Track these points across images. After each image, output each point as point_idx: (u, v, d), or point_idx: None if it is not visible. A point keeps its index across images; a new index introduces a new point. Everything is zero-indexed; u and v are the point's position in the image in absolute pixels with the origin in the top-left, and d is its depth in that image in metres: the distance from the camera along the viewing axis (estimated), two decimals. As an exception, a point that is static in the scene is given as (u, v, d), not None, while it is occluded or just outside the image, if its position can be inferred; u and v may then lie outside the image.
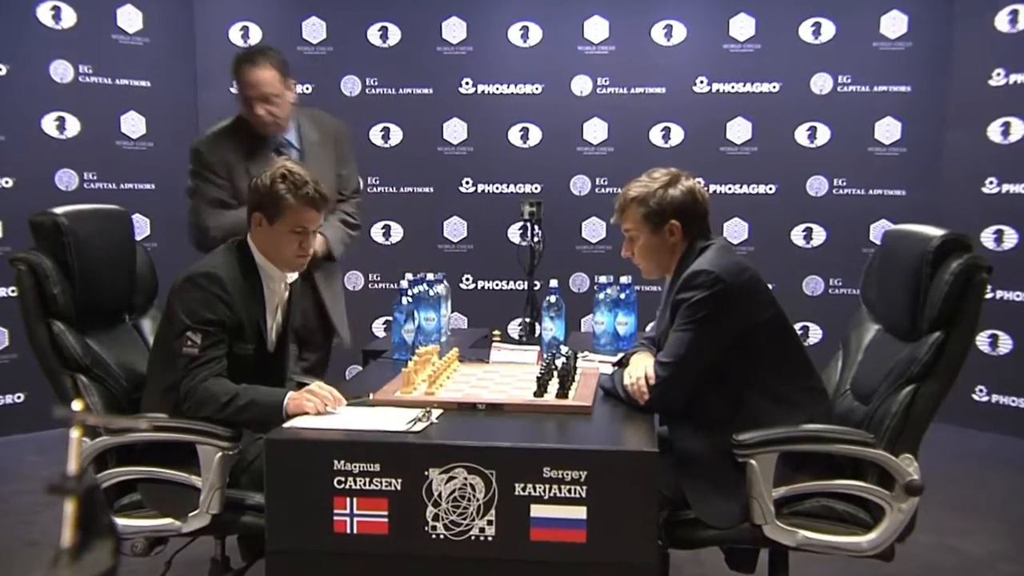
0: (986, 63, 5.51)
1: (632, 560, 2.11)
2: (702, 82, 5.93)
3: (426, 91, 6.07)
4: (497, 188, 6.08)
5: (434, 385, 2.58)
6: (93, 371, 2.60)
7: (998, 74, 5.47)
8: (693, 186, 2.61)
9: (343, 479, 2.14)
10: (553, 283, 3.37)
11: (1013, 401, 5.50)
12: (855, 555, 2.40)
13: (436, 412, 2.37)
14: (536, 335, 3.67)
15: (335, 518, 2.15)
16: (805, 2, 5.84)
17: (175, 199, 5.92)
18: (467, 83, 6.04)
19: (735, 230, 5.92)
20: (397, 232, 6.17)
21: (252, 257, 2.70)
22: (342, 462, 2.14)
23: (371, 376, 2.95)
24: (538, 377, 2.56)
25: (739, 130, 5.92)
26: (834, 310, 5.68)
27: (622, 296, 3.40)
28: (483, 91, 6.05)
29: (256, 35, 6.04)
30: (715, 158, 5.87)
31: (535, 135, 6.04)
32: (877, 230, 5.75)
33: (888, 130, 5.83)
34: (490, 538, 2.11)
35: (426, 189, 6.13)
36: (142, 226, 5.67)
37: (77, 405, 1.00)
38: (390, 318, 3.33)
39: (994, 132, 5.50)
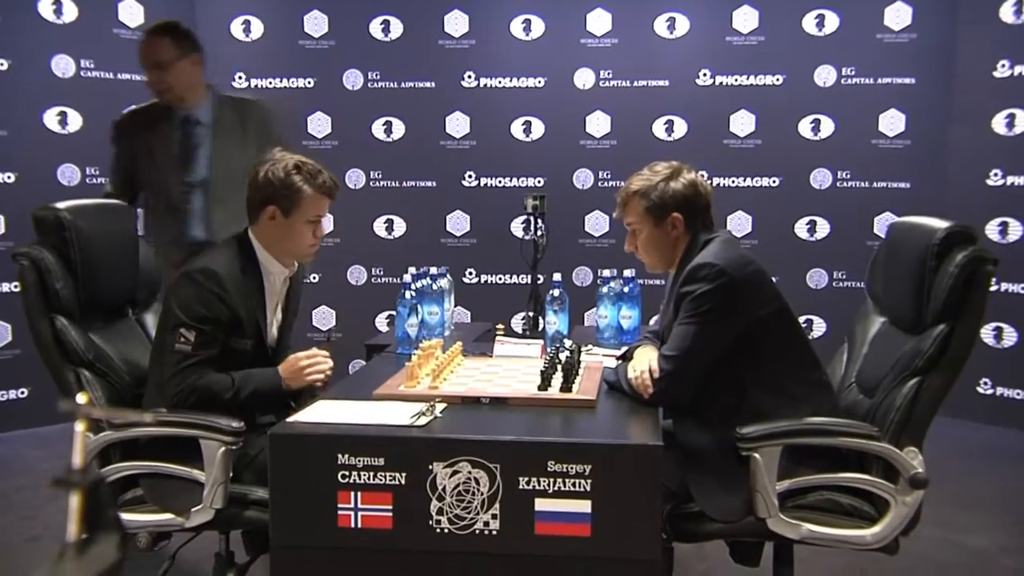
0: (991, 55, 5.49)
1: (636, 554, 2.11)
2: (705, 75, 5.91)
3: (428, 84, 6.06)
4: (500, 182, 6.07)
5: (438, 379, 2.57)
6: (96, 366, 2.59)
7: (1003, 66, 5.45)
8: (695, 179, 2.61)
9: (347, 473, 2.14)
10: (556, 277, 3.36)
11: (1018, 394, 5.48)
12: (859, 548, 2.39)
13: (440, 406, 2.37)
14: (540, 329, 3.67)
15: (339, 512, 2.15)
16: (809, -6, 5.84)
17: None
18: (469, 76, 6.03)
19: (739, 223, 5.91)
20: (400, 226, 6.16)
21: (253, 252, 2.70)
22: (346, 456, 2.14)
23: (375, 371, 2.95)
24: (542, 371, 2.55)
25: (742, 123, 5.91)
26: (838, 303, 5.67)
27: (626, 290, 3.39)
28: (485, 84, 6.04)
29: (258, 28, 6.04)
30: (718, 151, 5.86)
31: (538, 128, 6.04)
32: (881, 223, 5.74)
33: (892, 122, 5.81)
34: (494, 532, 2.11)
35: (429, 183, 6.12)
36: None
37: (81, 399, 1.00)
38: (393, 312, 3.33)
39: (999, 124, 5.49)
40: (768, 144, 5.90)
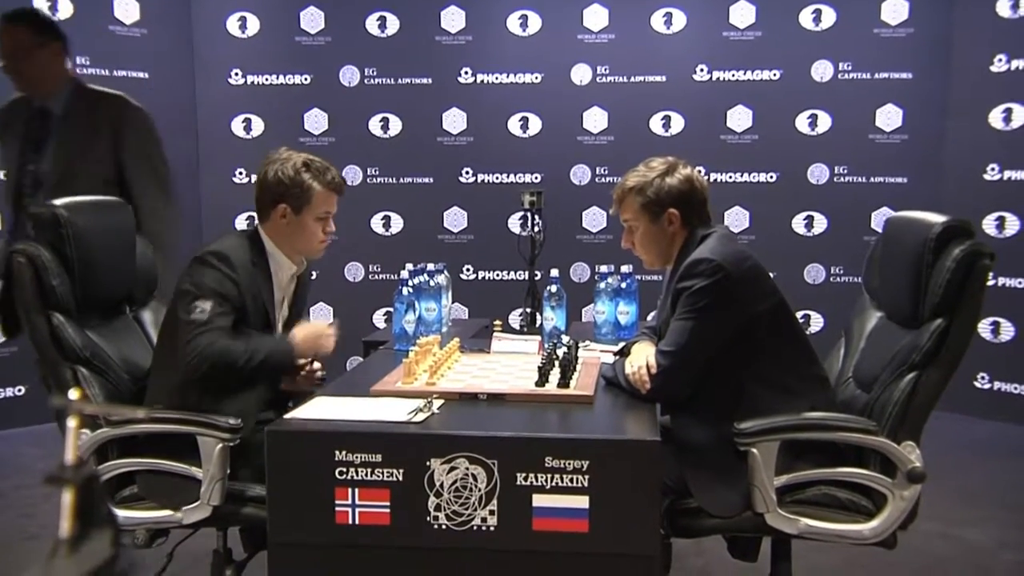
0: (987, 49, 5.49)
1: (634, 549, 2.11)
2: (702, 70, 5.91)
3: (425, 81, 6.06)
4: (497, 178, 6.07)
5: (435, 375, 2.57)
6: (93, 363, 2.58)
7: (999, 60, 5.45)
8: (691, 174, 2.60)
9: (344, 470, 2.14)
10: (554, 273, 3.36)
11: (1015, 388, 5.49)
12: (857, 543, 2.39)
13: (437, 402, 2.36)
14: (537, 325, 3.66)
15: (337, 509, 2.15)
16: (805, -11, 5.83)
17: (174, 191, 5.94)
18: (466, 72, 6.03)
19: (736, 219, 5.91)
20: (397, 223, 6.16)
21: (263, 247, 2.73)
22: (343, 453, 2.13)
23: (372, 367, 2.95)
24: (539, 367, 2.55)
25: (740, 118, 5.91)
26: (836, 298, 5.68)
27: (623, 285, 3.39)
28: (482, 80, 6.03)
29: (254, 25, 6.03)
30: (716, 146, 5.87)
31: (535, 124, 6.03)
32: (878, 218, 5.74)
33: (889, 117, 5.82)
34: (492, 528, 2.11)
35: (426, 179, 6.12)
36: (141, 218, 5.65)
37: (74, 394, 0.99)
38: (391, 309, 3.32)
39: (995, 118, 5.49)
40: (765, 139, 5.90)
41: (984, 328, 5.52)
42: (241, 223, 6.03)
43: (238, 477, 2.49)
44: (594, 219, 6.05)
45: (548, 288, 3.30)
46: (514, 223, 5.84)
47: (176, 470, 2.46)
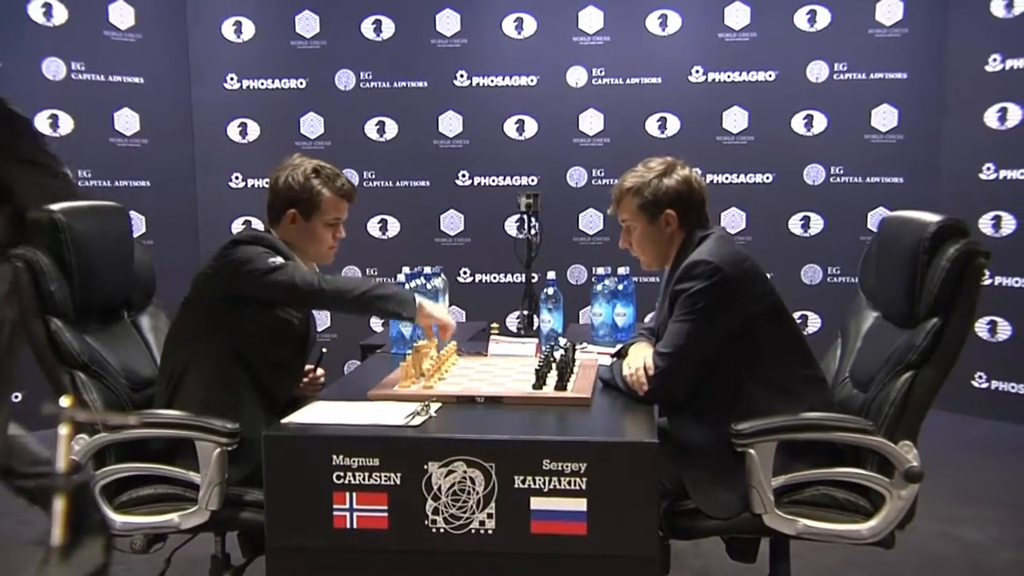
0: (982, 49, 5.50)
1: (633, 551, 2.11)
2: (698, 72, 5.92)
3: (421, 84, 6.06)
4: (493, 181, 6.07)
5: (432, 379, 2.57)
6: (91, 368, 2.58)
7: (994, 59, 5.46)
8: (689, 175, 2.60)
9: (342, 474, 2.13)
10: (551, 275, 3.36)
11: (1012, 387, 5.50)
12: (855, 543, 2.39)
13: (435, 406, 2.36)
14: (534, 327, 3.66)
15: (334, 513, 2.14)
16: (800, -10, 5.84)
17: (170, 196, 5.95)
18: (462, 75, 6.03)
19: (732, 219, 5.91)
20: (394, 226, 6.16)
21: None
22: (341, 457, 2.13)
23: (369, 371, 2.94)
24: (536, 369, 2.55)
25: (735, 119, 5.92)
26: (832, 298, 5.68)
27: (620, 287, 3.39)
28: (478, 83, 6.03)
29: (249, 29, 6.03)
30: (712, 147, 5.87)
31: (531, 127, 6.03)
32: (875, 218, 5.75)
33: (885, 117, 5.82)
34: (490, 531, 2.11)
35: (422, 183, 6.12)
36: (137, 223, 5.66)
37: (65, 401, 0.99)
38: (388, 312, 3.31)
39: (991, 118, 5.50)
40: (761, 140, 5.91)
41: (981, 327, 5.53)
42: (237, 227, 6.03)
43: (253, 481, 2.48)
44: (591, 221, 6.05)
45: (545, 290, 3.30)
46: (511, 226, 5.84)
47: (175, 475, 2.46)
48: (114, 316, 2.86)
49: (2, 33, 5.33)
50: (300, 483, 2.17)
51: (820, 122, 5.88)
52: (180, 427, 2.44)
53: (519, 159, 6.03)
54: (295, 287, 2.54)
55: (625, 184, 2.62)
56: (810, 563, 3.13)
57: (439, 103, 6.07)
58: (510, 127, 6.04)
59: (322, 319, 5.99)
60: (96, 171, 5.65)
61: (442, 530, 2.12)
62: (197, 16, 6.03)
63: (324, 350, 3.02)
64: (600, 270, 3.49)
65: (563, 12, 5.97)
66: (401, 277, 3.30)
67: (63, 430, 0.97)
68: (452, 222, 6.14)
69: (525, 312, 3.83)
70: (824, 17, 5.81)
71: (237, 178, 6.09)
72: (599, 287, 3.41)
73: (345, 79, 6.07)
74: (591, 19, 5.95)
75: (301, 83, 6.08)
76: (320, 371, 2.97)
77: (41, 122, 5.45)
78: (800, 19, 5.83)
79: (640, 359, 2.51)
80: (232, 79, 6.03)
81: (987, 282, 5.37)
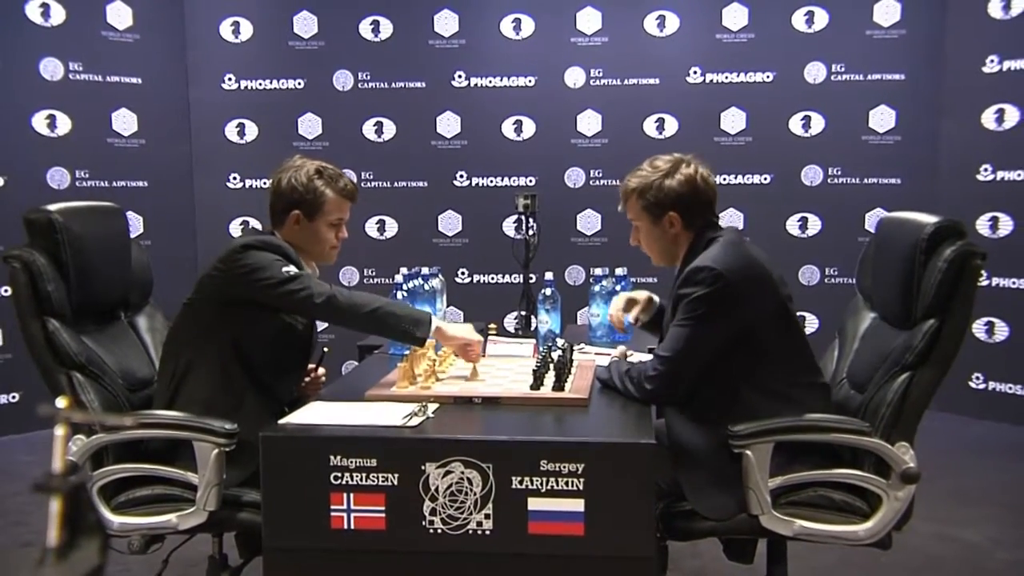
0: (979, 50, 5.51)
1: (630, 552, 2.10)
2: (696, 72, 5.92)
3: (419, 85, 6.06)
4: (491, 181, 6.08)
5: (430, 379, 2.57)
6: (89, 369, 2.57)
7: (991, 61, 5.47)
8: (693, 175, 2.55)
9: (339, 475, 2.13)
10: (548, 276, 3.36)
11: (1010, 388, 5.50)
12: (852, 544, 2.39)
13: (432, 406, 2.36)
14: (532, 328, 3.66)
15: (332, 514, 2.14)
16: (798, -9, 5.85)
17: (168, 196, 5.95)
18: (460, 76, 6.03)
19: (730, 221, 5.91)
20: (392, 227, 6.16)
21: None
22: (338, 457, 2.13)
23: (367, 371, 2.94)
24: (534, 370, 2.55)
25: (733, 120, 5.92)
26: (830, 299, 5.68)
27: (618, 288, 3.39)
28: (476, 84, 6.04)
29: (247, 30, 6.03)
30: (709, 148, 5.86)
31: (529, 128, 6.04)
32: (872, 219, 5.75)
33: (882, 118, 5.83)
34: (488, 532, 2.11)
35: (420, 183, 6.12)
36: (135, 224, 5.67)
37: (61, 402, 0.99)
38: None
39: (988, 119, 5.50)
40: (759, 141, 5.91)
41: (979, 328, 5.53)
42: (235, 228, 6.03)
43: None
44: (588, 222, 6.05)
45: (543, 291, 3.30)
46: (508, 226, 5.84)
47: (172, 476, 2.46)
48: (111, 317, 2.86)
49: (0, 33, 5.32)
50: (297, 484, 2.17)
51: (818, 123, 5.88)
52: (178, 428, 2.44)
53: (517, 160, 6.03)
54: (311, 300, 2.53)
55: (630, 184, 2.60)
56: (807, 564, 3.13)
57: (437, 104, 6.07)
58: (508, 128, 6.04)
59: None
60: (94, 171, 5.65)
61: (440, 531, 2.12)
62: (195, 16, 6.03)
63: (326, 349, 3.03)
64: (598, 271, 3.49)
65: (561, 13, 5.97)
66: (399, 278, 3.30)
67: (59, 431, 0.97)
68: (450, 223, 6.14)
69: (523, 313, 3.83)
70: (822, 18, 5.82)
71: (235, 178, 6.09)
72: (597, 288, 3.42)
73: (343, 79, 6.07)
74: (589, 20, 5.96)
75: (299, 83, 6.08)
76: (321, 370, 2.97)
77: (39, 122, 5.45)
78: (798, 20, 5.83)
79: (621, 302, 2.84)
80: (230, 79, 6.03)
81: (984, 283, 5.38)
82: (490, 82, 6.04)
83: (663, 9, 5.91)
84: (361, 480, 2.13)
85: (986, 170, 5.52)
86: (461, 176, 6.09)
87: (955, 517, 3.94)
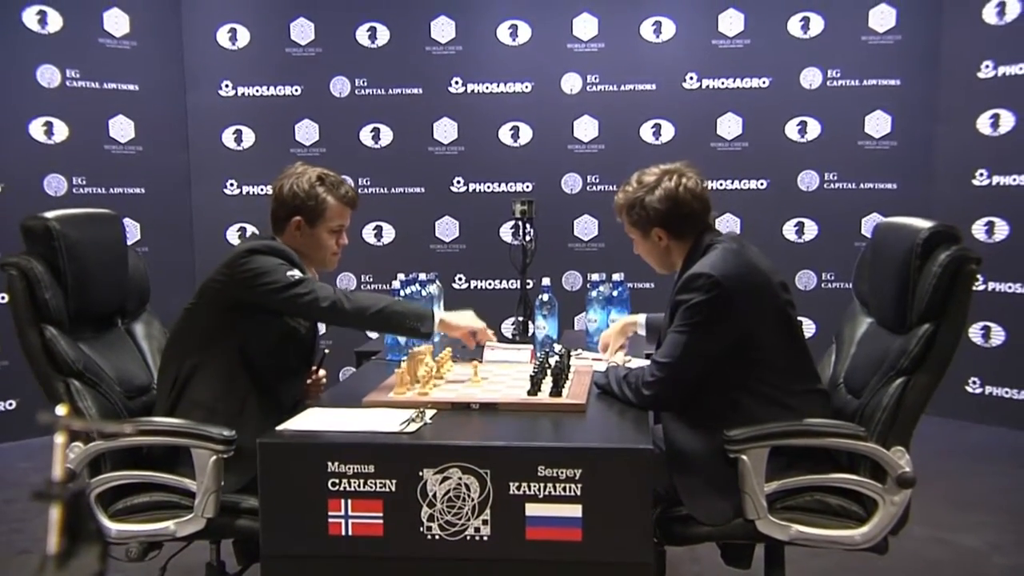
0: (975, 55, 5.53)
1: (628, 557, 2.11)
2: (692, 78, 5.93)
3: (416, 91, 6.07)
4: (488, 187, 6.08)
5: (427, 385, 2.57)
6: (86, 376, 2.57)
7: (987, 66, 5.48)
8: (674, 189, 2.54)
9: (337, 481, 2.13)
10: (546, 282, 3.36)
11: (1006, 392, 5.51)
12: (848, 548, 2.39)
13: (430, 412, 2.36)
14: (529, 334, 3.67)
15: (330, 520, 2.14)
16: (793, -3, 5.86)
17: (165, 203, 5.95)
18: (457, 82, 6.04)
19: (727, 226, 5.92)
20: (389, 233, 6.16)
21: None
22: (336, 464, 2.13)
23: (364, 377, 2.95)
24: (532, 376, 2.56)
25: (729, 125, 5.93)
26: (827, 304, 5.68)
27: (615, 293, 3.40)
28: (473, 90, 6.05)
29: (244, 37, 6.03)
30: (706, 154, 5.88)
31: (526, 134, 6.04)
32: (869, 223, 5.76)
33: (878, 123, 5.84)
34: (485, 538, 2.11)
35: (417, 189, 6.13)
36: (132, 230, 5.67)
37: (61, 410, 0.99)
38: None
39: (983, 124, 5.52)
40: (755, 147, 5.92)
41: (975, 332, 5.54)
42: (232, 234, 6.02)
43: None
44: (585, 227, 6.06)
45: (540, 297, 3.31)
46: (506, 232, 5.84)
47: (171, 482, 2.46)
48: (108, 324, 2.86)
49: (-3, 41, 5.34)
50: (295, 490, 2.17)
51: (814, 128, 5.90)
52: (176, 435, 2.44)
53: (514, 166, 6.04)
54: (317, 304, 2.57)
55: (618, 200, 2.64)
56: (805, 569, 3.13)
57: (434, 110, 6.07)
58: (505, 134, 6.05)
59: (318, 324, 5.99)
60: (91, 178, 5.65)
61: (437, 537, 2.12)
62: (192, 23, 6.04)
63: (326, 351, 3.04)
64: (595, 276, 3.49)
65: (558, 19, 5.99)
66: (396, 283, 3.30)
67: (59, 438, 0.97)
68: (447, 229, 6.14)
69: (520, 318, 3.83)
70: (818, 24, 5.84)
71: (232, 185, 6.08)
72: (594, 293, 3.42)
73: (340, 86, 6.08)
74: (585, 26, 5.97)
75: (296, 90, 6.09)
76: (322, 372, 2.98)
77: (36, 129, 5.45)
78: (793, 26, 5.85)
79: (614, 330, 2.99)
80: (227, 86, 6.03)
81: (981, 287, 5.39)
82: (487, 88, 6.05)
83: (659, 15, 5.92)
84: (359, 486, 2.13)
85: (982, 175, 5.54)
86: (458, 182, 6.10)
87: (953, 521, 3.94)
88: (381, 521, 2.13)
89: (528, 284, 3.85)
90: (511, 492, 2.10)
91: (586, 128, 6.02)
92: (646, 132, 5.97)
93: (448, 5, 6.03)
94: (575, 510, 2.09)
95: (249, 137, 6.10)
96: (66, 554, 0.93)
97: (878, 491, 2.33)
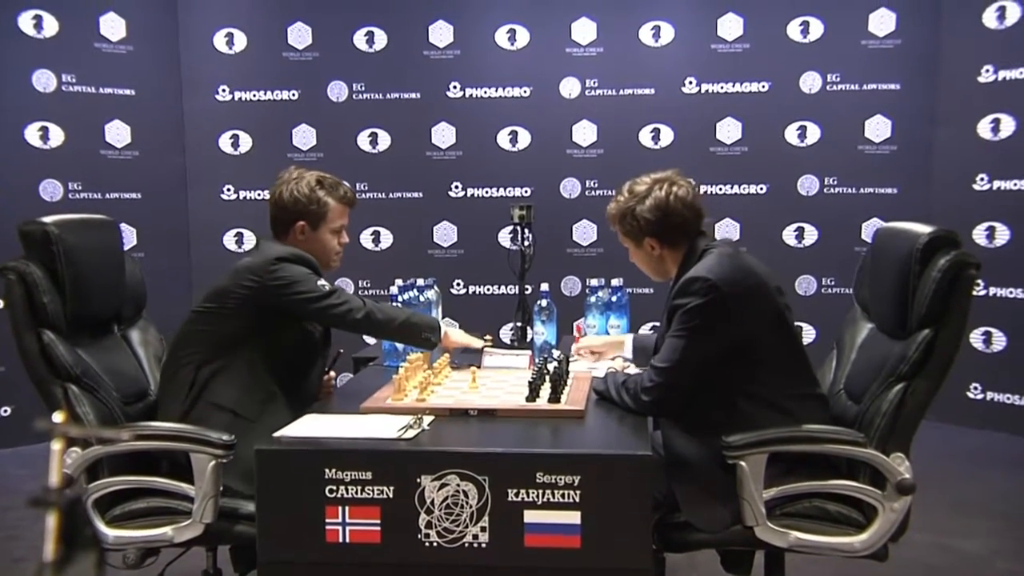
0: (975, 60, 5.52)
1: (627, 564, 2.09)
2: (691, 83, 5.92)
3: (414, 95, 6.06)
4: (487, 192, 6.07)
5: (425, 391, 2.56)
6: (84, 381, 2.56)
7: (987, 71, 5.48)
8: (664, 198, 2.53)
9: (335, 488, 2.12)
10: (544, 287, 3.35)
11: (1007, 398, 5.50)
12: (848, 555, 2.38)
13: (427, 419, 2.35)
14: (528, 339, 3.66)
15: (327, 527, 2.13)
16: (793, 1, 5.85)
17: (161, 208, 5.93)
18: (455, 87, 6.03)
19: (727, 231, 5.91)
20: (387, 238, 6.15)
21: None
22: (333, 471, 2.12)
23: (362, 383, 2.93)
24: (530, 382, 2.54)
25: (729, 130, 5.92)
26: (827, 309, 5.68)
27: (614, 299, 3.39)
28: (471, 95, 6.04)
29: (241, 41, 6.02)
30: (705, 158, 5.88)
31: (524, 138, 6.04)
32: (869, 228, 5.76)
33: (878, 128, 5.83)
34: (484, 545, 2.10)
35: (415, 194, 6.12)
36: (128, 236, 5.65)
37: (58, 417, 0.98)
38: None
39: (984, 129, 5.51)
40: (755, 151, 5.91)
41: (976, 338, 5.53)
42: (229, 239, 6.01)
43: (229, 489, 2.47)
44: (584, 232, 6.04)
45: (538, 302, 3.29)
46: (504, 237, 5.83)
47: (168, 487, 2.44)
48: (105, 330, 2.85)
49: (-7, 46, 5.32)
50: (292, 497, 2.15)
51: (813, 133, 5.89)
52: (174, 439, 2.42)
53: (512, 170, 6.03)
54: (351, 315, 2.69)
55: (611, 211, 2.65)
56: (805, 575, 3.11)
57: (432, 114, 6.07)
58: (503, 138, 6.04)
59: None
60: (87, 183, 5.64)
61: (435, 544, 2.10)
62: (188, 28, 6.03)
63: (340, 351, 3.09)
64: (594, 281, 3.48)
65: (556, 23, 5.98)
66: (394, 289, 3.29)
67: (56, 445, 0.96)
68: (445, 234, 6.13)
69: (518, 324, 3.82)
70: (817, 28, 5.83)
71: (229, 190, 6.07)
72: (593, 299, 3.41)
73: (337, 90, 6.07)
74: (584, 30, 5.96)
75: (293, 95, 6.08)
76: (332, 373, 3.04)
77: (31, 134, 5.44)
78: (793, 30, 5.84)
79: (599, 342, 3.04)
80: (224, 91, 6.02)
81: (981, 293, 5.38)
82: (485, 93, 6.04)
83: (658, 19, 5.91)
84: (356, 493, 2.12)
85: (982, 180, 5.53)
86: (456, 187, 6.09)
87: (954, 527, 3.92)
88: (379, 528, 2.12)
89: (527, 289, 3.83)
90: (509, 499, 2.09)
91: (585, 133, 6.01)
92: (645, 137, 5.96)
93: (446, 9, 6.02)
94: (574, 517, 2.08)
95: (246, 142, 6.08)
96: (63, 561, 0.92)
97: (878, 498, 2.32)
